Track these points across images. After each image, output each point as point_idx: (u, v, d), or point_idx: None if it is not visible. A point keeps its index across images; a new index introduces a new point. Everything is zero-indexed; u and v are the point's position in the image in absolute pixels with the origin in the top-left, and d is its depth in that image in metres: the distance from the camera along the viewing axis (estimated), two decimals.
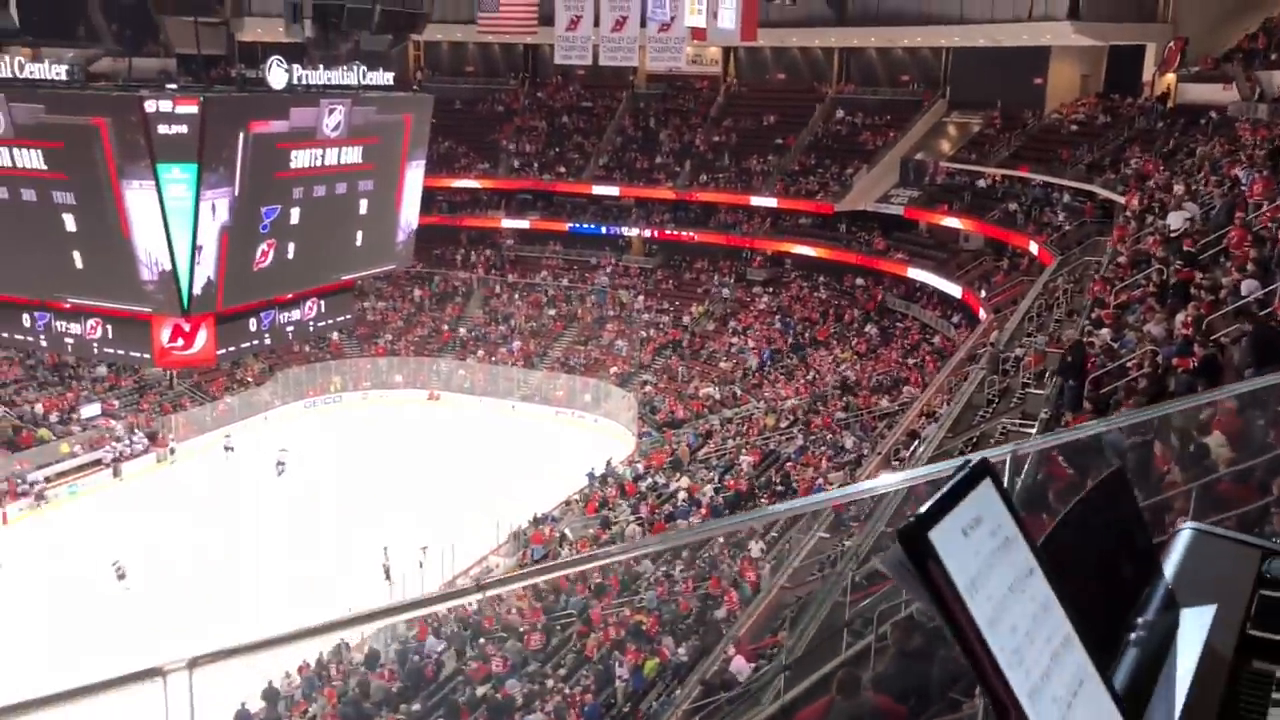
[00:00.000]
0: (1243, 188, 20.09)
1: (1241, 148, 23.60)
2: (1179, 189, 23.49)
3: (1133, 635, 1.22)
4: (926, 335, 33.41)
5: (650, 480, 26.89)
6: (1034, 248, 30.02)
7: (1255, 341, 9.73)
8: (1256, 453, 7.08)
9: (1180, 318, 14.86)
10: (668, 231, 40.87)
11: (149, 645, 16.53)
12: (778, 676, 12.49)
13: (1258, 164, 21.14)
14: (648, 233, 41.40)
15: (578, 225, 42.00)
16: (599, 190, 41.63)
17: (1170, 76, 32.30)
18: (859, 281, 37.59)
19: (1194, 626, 1.28)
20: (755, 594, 17.65)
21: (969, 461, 1.02)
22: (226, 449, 31.67)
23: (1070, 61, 36.62)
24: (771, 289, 39.21)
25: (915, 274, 34.78)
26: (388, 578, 22.74)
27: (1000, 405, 18.94)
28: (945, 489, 0.97)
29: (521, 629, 19.03)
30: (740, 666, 14.88)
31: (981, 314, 29.35)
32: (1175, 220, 20.31)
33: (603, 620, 18.67)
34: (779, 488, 23.73)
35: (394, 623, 21.37)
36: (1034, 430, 12.91)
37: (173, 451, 31.82)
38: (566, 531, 24.58)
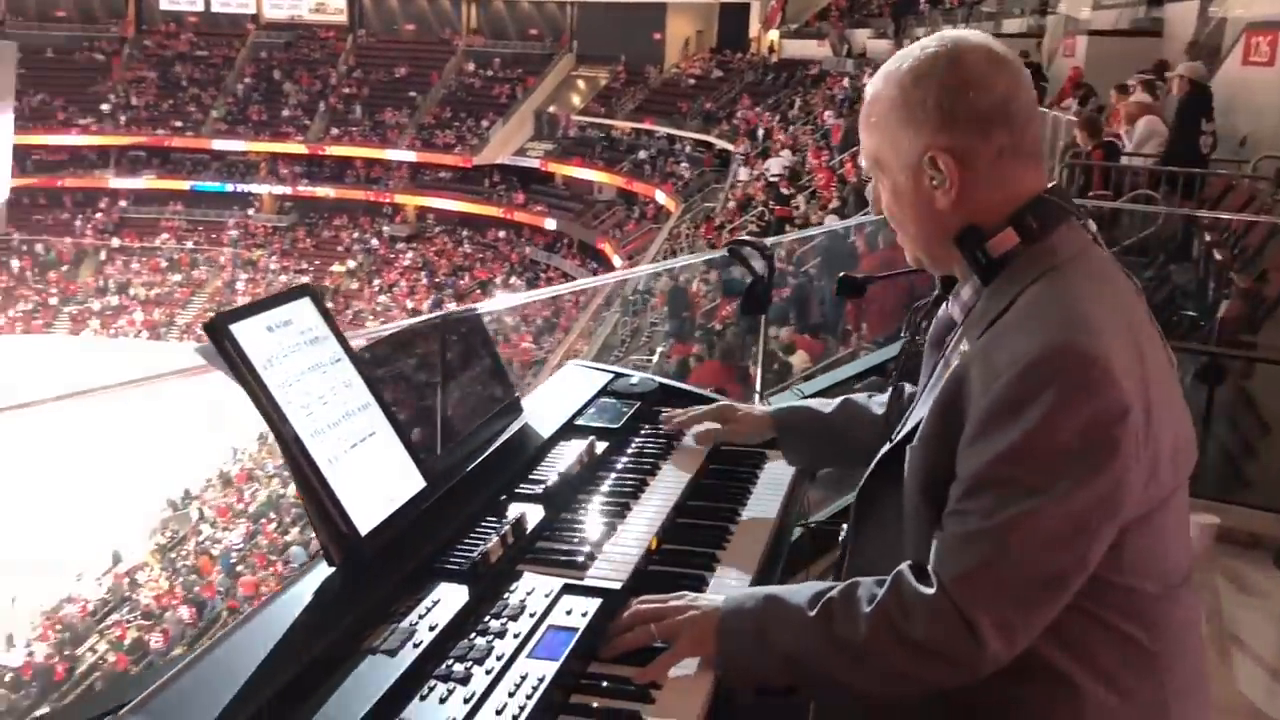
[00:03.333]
0: (828, 131, 22.51)
1: (832, 100, 26.28)
2: (781, 137, 25.88)
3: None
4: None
5: None
6: (661, 196, 31.82)
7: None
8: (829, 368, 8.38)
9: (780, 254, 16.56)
10: (302, 188, 39.19)
11: None
12: None
13: (844, 113, 23.72)
14: (280, 190, 39.50)
15: (200, 184, 39.28)
16: (221, 145, 39.04)
17: (774, 33, 35.19)
18: (501, 234, 38.13)
19: (534, 414, 1.69)
20: None
21: (304, 285, 1.34)
22: None
23: (685, 18, 38.91)
24: (415, 245, 38.86)
25: (554, 225, 35.79)
26: None
27: (632, 343, 20.11)
28: (262, 299, 1.28)
29: None
30: None
31: (616, 261, 30.79)
32: (774, 166, 22.37)
33: None
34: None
35: None
36: (654, 359, 13.96)
37: None
38: (205, 510, 23.31)
